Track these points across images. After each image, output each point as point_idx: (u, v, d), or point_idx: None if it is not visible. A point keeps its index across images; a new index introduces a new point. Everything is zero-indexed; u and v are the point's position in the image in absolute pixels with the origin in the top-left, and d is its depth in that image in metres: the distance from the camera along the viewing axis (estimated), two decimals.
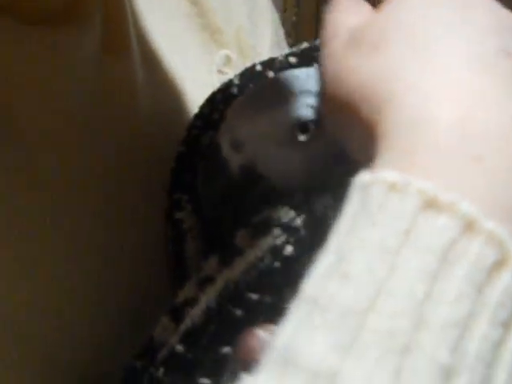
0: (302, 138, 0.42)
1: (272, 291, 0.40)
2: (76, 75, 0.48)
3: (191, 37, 0.66)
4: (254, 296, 0.39)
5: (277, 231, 0.40)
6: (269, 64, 0.54)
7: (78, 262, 0.45)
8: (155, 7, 0.64)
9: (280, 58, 0.55)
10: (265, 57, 0.72)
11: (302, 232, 0.40)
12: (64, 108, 0.47)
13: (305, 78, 0.44)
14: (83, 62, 0.49)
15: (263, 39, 0.73)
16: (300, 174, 0.43)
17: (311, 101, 0.43)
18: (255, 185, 0.43)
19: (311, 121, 0.43)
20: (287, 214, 0.41)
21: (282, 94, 0.43)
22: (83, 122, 0.48)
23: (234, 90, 0.52)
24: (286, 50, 0.73)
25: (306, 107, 0.43)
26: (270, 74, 0.53)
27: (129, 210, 0.49)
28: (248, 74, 0.54)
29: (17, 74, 0.45)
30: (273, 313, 0.38)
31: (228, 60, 0.67)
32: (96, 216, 0.47)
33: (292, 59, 0.54)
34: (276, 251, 0.40)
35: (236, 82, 0.53)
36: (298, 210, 0.41)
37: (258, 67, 0.54)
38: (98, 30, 0.50)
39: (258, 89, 0.49)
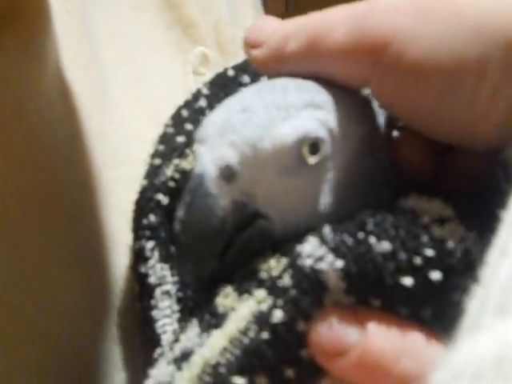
0: (312, 160, 0.34)
1: (265, 370, 0.31)
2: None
3: (161, 34, 0.59)
4: (241, 380, 0.31)
5: (259, 293, 0.32)
6: (243, 68, 0.46)
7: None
8: (120, 2, 0.56)
9: None
10: None
11: (293, 292, 0.31)
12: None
13: (311, 89, 0.35)
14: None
15: (245, 30, 0.65)
16: (307, 209, 0.34)
17: (321, 115, 0.34)
18: (249, 224, 0.34)
19: (322, 138, 0.34)
20: (277, 267, 0.32)
21: (281, 106, 0.34)
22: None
23: (203, 103, 0.44)
24: None
25: (314, 122, 0.34)
26: (245, 79, 0.45)
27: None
28: (218, 82, 0.46)
29: None
30: None
31: (205, 58, 0.59)
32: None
33: None
34: (262, 319, 0.31)
35: (204, 91, 0.45)
36: (287, 255, 0.32)
37: (231, 72, 0.46)
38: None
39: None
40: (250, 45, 0.38)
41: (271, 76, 0.37)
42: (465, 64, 0.31)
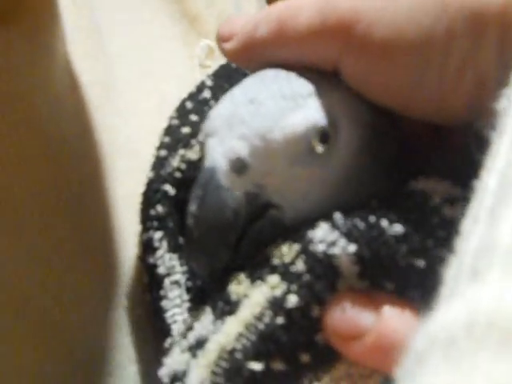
0: (321, 149, 0.34)
1: (281, 355, 0.31)
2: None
3: (168, 26, 0.58)
4: (257, 365, 0.31)
5: (273, 279, 0.32)
6: None
7: None
8: None
9: None
10: None
11: (306, 277, 0.31)
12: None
13: (310, 78, 0.35)
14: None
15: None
16: (317, 196, 0.34)
17: (327, 103, 0.34)
18: (261, 215, 0.34)
19: (330, 127, 0.34)
20: (289, 253, 0.32)
21: (287, 96, 0.34)
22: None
23: (207, 95, 0.44)
24: None
25: (322, 110, 0.34)
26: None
27: None
28: (222, 73, 0.45)
29: None
30: (289, 381, 0.32)
31: (210, 51, 0.59)
32: None
33: None
34: (276, 304, 0.31)
35: (208, 83, 0.45)
36: (299, 241, 0.32)
37: (234, 64, 0.45)
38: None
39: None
40: (222, 39, 0.38)
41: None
42: (433, 38, 0.31)
